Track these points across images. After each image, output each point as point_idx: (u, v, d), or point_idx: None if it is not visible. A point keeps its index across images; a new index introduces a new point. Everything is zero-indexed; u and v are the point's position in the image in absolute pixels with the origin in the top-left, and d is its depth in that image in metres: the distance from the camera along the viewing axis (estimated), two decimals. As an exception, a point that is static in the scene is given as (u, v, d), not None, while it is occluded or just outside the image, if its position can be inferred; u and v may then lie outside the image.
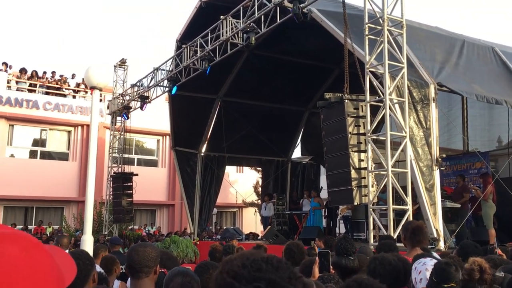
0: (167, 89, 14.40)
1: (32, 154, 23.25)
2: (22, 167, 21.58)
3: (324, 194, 13.86)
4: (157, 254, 2.92)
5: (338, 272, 3.65)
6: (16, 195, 21.00)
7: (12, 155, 22.64)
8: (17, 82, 22.95)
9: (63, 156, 23.69)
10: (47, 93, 23.18)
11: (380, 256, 3.27)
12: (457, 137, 14.36)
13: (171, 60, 13.95)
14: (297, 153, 19.28)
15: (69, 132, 23.79)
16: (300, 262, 4.03)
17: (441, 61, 9.60)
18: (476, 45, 10.79)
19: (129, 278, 3.05)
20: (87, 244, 5.97)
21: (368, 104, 8.03)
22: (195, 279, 2.64)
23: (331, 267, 3.74)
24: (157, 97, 15.55)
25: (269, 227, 14.59)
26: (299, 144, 18.54)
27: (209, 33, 11.70)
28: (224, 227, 21.54)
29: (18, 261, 0.69)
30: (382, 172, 7.94)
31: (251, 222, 25.31)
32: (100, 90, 6.14)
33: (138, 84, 15.94)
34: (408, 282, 3.49)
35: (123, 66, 17.64)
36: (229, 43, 11.13)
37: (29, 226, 21.26)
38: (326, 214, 14.33)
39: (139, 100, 15.76)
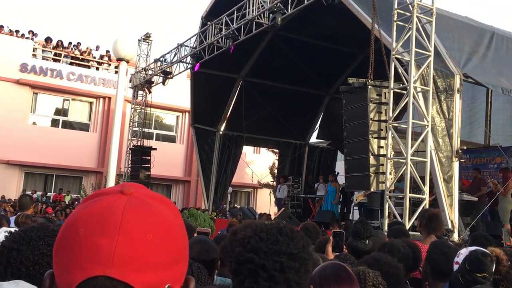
0: (190, 65, 14.45)
1: (54, 123, 23.63)
2: (43, 135, 22.00)
3: (340, 179, 13.88)
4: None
5: (351, 253, 3.73)
6: (37, 161, 21.45)
7: (34, 123, 23.06)
8: (42, 51, 23.25)
9: (84, 127, 24.06)
10: (71, 64, 23.46)
11: (389, 243, 3.31)
12: (478, 130, 14.16)
13: (196, 37, 13.98)
14: (314, 137, 19.26)
15: (90, 103, 24.09)
16: (315, 241, 4.12)
17: (468, 52, 9.44)
18: (506, 38, 10.56)
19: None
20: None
21: (392, 91, 7.99)
22: (213, 247, 2.73)
23: (344, 247, 3.82)
24: (179, 73, 15.61)
25: (283, 208, 14.63)
26: (317, 129, 18.50)
27: (235, 12, 11.67)
28: (238, 206, 21.73)
29: (169, 216, 0.75)
30: (401, 160, 7.93)
31: (265, 203, 25.48)
32: (127, 62, 6.23)
33: (161, 59, 16.02)
34: (418, 267, 3.55)
35: (147, 41, 17.71)
36: (254, 22, 11.09)
37: (48, 193, 21.75)
38: (341, 199, 14.35)
39: (161, 75, 15.86)
